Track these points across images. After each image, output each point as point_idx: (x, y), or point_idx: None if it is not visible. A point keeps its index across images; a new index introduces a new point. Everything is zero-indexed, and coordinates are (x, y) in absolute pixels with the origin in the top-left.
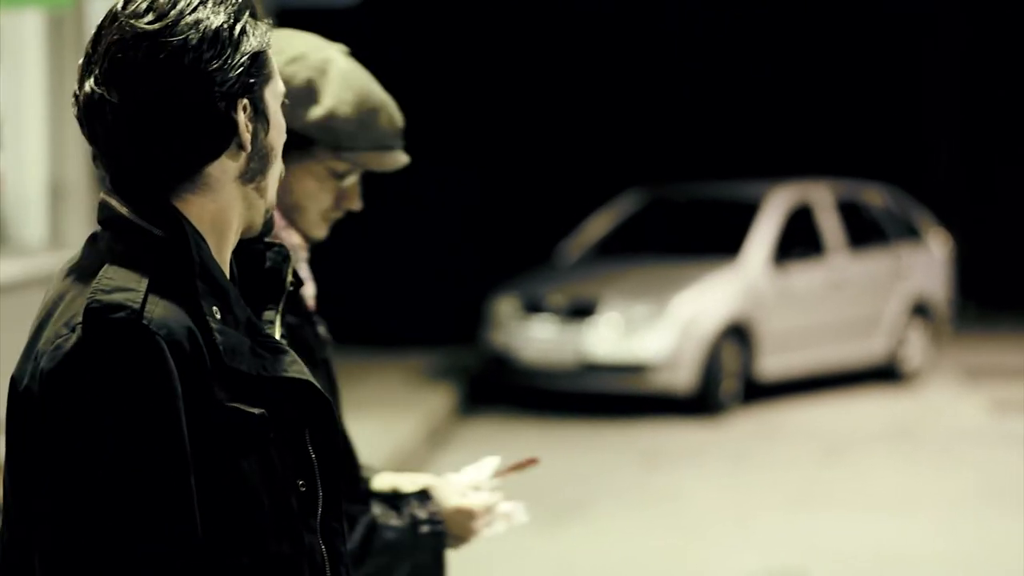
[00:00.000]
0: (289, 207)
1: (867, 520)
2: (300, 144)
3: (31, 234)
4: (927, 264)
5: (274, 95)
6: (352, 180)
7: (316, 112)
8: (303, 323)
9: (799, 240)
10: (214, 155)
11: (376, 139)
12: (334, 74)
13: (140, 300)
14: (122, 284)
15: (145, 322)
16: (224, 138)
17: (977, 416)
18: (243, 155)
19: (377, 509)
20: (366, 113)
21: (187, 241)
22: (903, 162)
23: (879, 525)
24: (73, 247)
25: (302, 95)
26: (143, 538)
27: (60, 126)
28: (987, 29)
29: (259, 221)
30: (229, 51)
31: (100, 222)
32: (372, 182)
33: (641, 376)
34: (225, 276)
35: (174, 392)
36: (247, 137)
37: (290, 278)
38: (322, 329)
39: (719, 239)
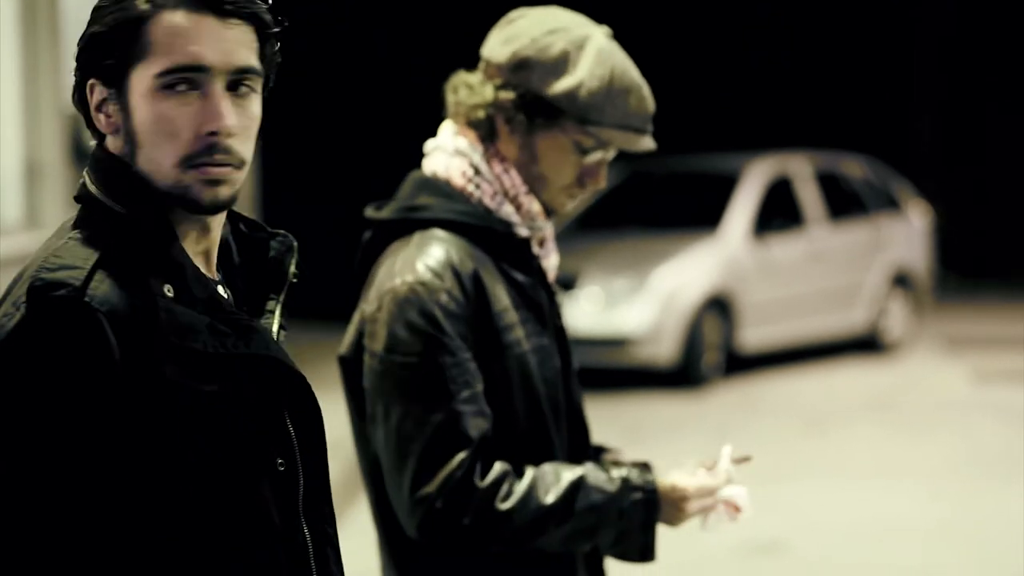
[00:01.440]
0: (533, 175)
1: (849, 491)
2: (548, 113)
3: (7, 214)
4: (907, 235)
5: (146, 76)
6: (596, 157)
7: (565, 82)
8: (535, 284)
9: (779, 212)
10: (96, 133)
11: (622, 118)
12: (590, 49)
13: (83, 278)
14: (68, 262)
15: (87, 299)
16: (87, 118)
17: (959, 386)
18: (119, 136)
19: (591, 470)
20: (615, 91)
21: (143, 218)
22: (883, 133)
23: (861, 496)
24: (49, 226)
25: (555, 65)
26: (65, 518)
27: (35, 106)
28: (970, 1)
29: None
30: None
31: (75, 198)
32: (354, 160)
33: (623, 349)
34: (185, 253)
35: (111, 371)
36: (100, 119)
37: (292, 269)
38: (558, 297)
39: (699, 212)
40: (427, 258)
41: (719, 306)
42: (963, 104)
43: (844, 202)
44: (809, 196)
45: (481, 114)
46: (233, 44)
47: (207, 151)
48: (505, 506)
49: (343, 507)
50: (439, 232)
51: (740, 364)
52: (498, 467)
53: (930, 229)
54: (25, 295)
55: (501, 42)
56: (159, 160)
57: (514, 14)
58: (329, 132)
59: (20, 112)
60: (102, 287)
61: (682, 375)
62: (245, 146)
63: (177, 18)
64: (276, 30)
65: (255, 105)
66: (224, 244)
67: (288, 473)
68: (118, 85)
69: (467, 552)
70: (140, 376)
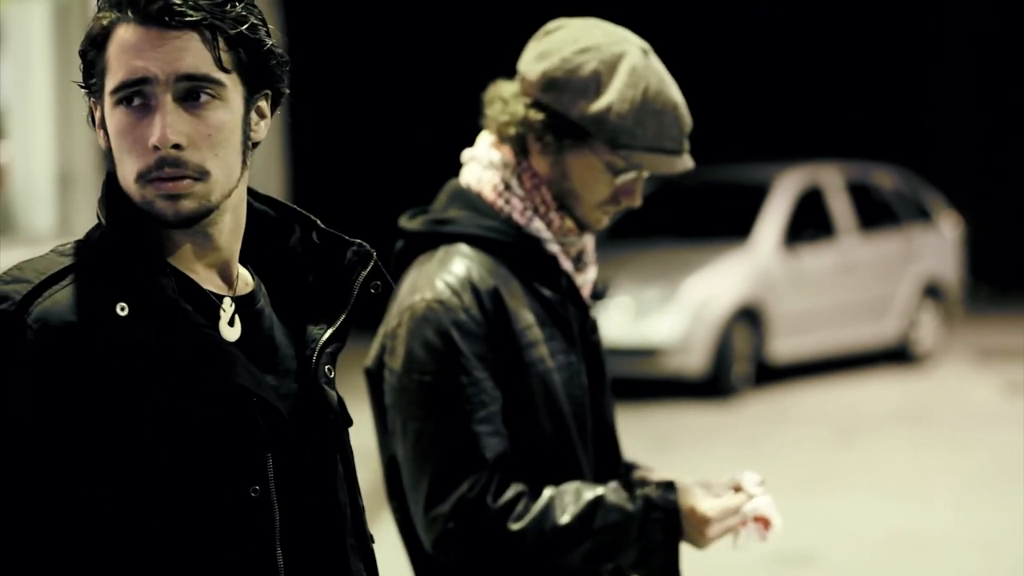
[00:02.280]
0: (565, 192)
1: (880, 502)
2: (576, 135)
3: (39, 223)
4: (938, 245)
5: (107, 92)
6: (629, 177)
7: (594, 105)
8: (564, 301)
9: (810, 223)
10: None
11: (654, 140)
12: (623, 70)
13: (26, 292)
14: (24, 275)
15: (25, 315)
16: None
17: (990, 397)
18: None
19: (611, 490)
20: (647, 113)
21: (115, 234)
22: (913, 143)
23: (892, 507)
24: (81, 235)
25: (585, 87)
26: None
27: (67, 115)
28: (999, 9)
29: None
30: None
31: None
32: (398, 165)
33: (653, 359)
34: (160, 270)
35: (35, 387)
36: (100, 136)
37: (360, 280)
38: (593, 312)
39: (729, 222)
40: (447, 275)
41: (749, 317)
42: (994, 115)
43: (875, 213)
44: (840, 207)
45: (512, 131)
46: (177, 53)
47: (157, 165)
48: (517, 526)
49: (372, 516)
50: (463, 248)
51: (770, 375)
52: (513, 488)
53: (961, 240)
54: None
55: (535, 58)
56: (124, 176)
57: (552, 25)
58: (362, 138)
59: (53, 122)
60: (45, 303)
61: (712, 385)
62: (205, 155)
63: (126, 33)
64: (238, 32)
65: (219, 112)
66: (288, 255)
67: (262, 500)
68: (100, 103)
69: (483, 571)
70: (73, 394)
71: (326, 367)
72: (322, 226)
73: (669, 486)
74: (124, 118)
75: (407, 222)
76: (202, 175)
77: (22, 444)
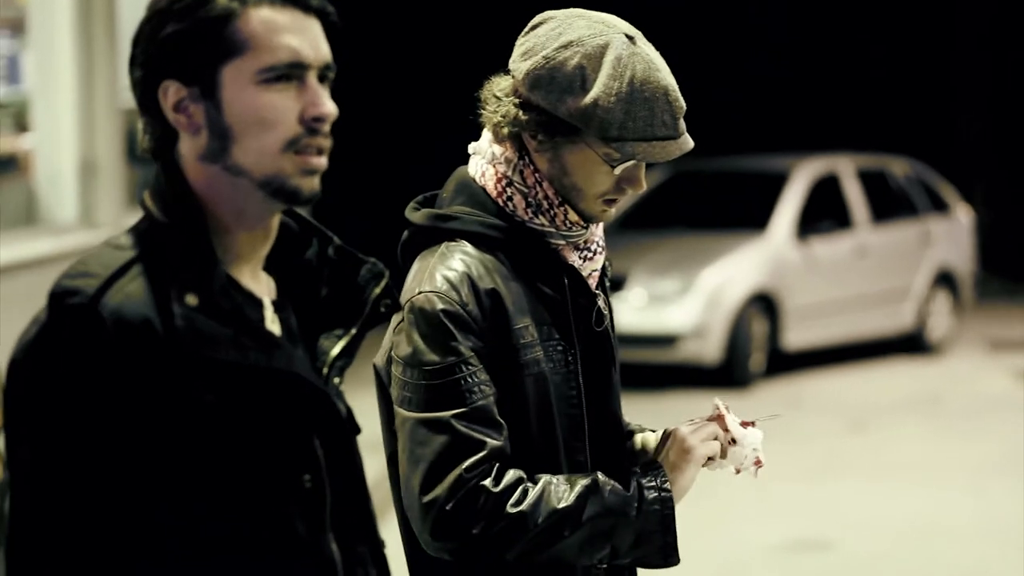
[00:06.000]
0: (565, 187)
1: (893, 490)
2: (568, 132)
3: (62, 212)
4: (951, 235)
5: (243, 72)
6: (628, 166)
7: (580, 101)
8: (565, 297)
9: (825, 213)
10: (161, 134)
11: (644, 129)
12: (607, 61)
13: (97, 286)
14: (90, 269)
15: (99, 308)
16: (154, 119)
17: (1003, 385)
18: (203, 135)
19: (603, 475)
20: (636, 103)
21: (180, 228)
22: (927, 137)
23: (905, 495)
24: (104, 225)
25: (569, 84)
26: (76, 511)
27: (90, 105)
28: (1014, 1)
29: (250, 206)
30: (145, 41)
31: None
32: (412, 162)
33: (668, 347)
34: (218, 265)
35: (115, 379)
36: (180, 120)
37: (374, 296)
38: (601, 302)
39: (745, 212)
40: (446, 270)
41: (765, 305)
42: (1008, 108)
43: (890, 203)
44: (855, 197)
45: (506, 130)
46: (317, 38)
47: (310, 133)
48: (516, 509)
49: (382, 513)
50: (465, 244)
51: (785, 363)
52: (511, 473)
53: (973, 231)
54: (47, 301)
55: (521, 55)
56: (262, 148)
57: (537, 19)
58: (367, 129)
59: (76, 110)
60: (117, 296)
61: (727, 373)
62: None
63: (268, 13)
64: (337, 27)
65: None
66: (303, 267)
67: (314, 490)
68: (202, 83)
69: (482, 559)
70: (150, 384)
71: (335, 380)
72: (339, 242)
73: (653, 464)
74: (268, 94)
75: (412, 213)
76: (327, 156)
77: (104, 433)
